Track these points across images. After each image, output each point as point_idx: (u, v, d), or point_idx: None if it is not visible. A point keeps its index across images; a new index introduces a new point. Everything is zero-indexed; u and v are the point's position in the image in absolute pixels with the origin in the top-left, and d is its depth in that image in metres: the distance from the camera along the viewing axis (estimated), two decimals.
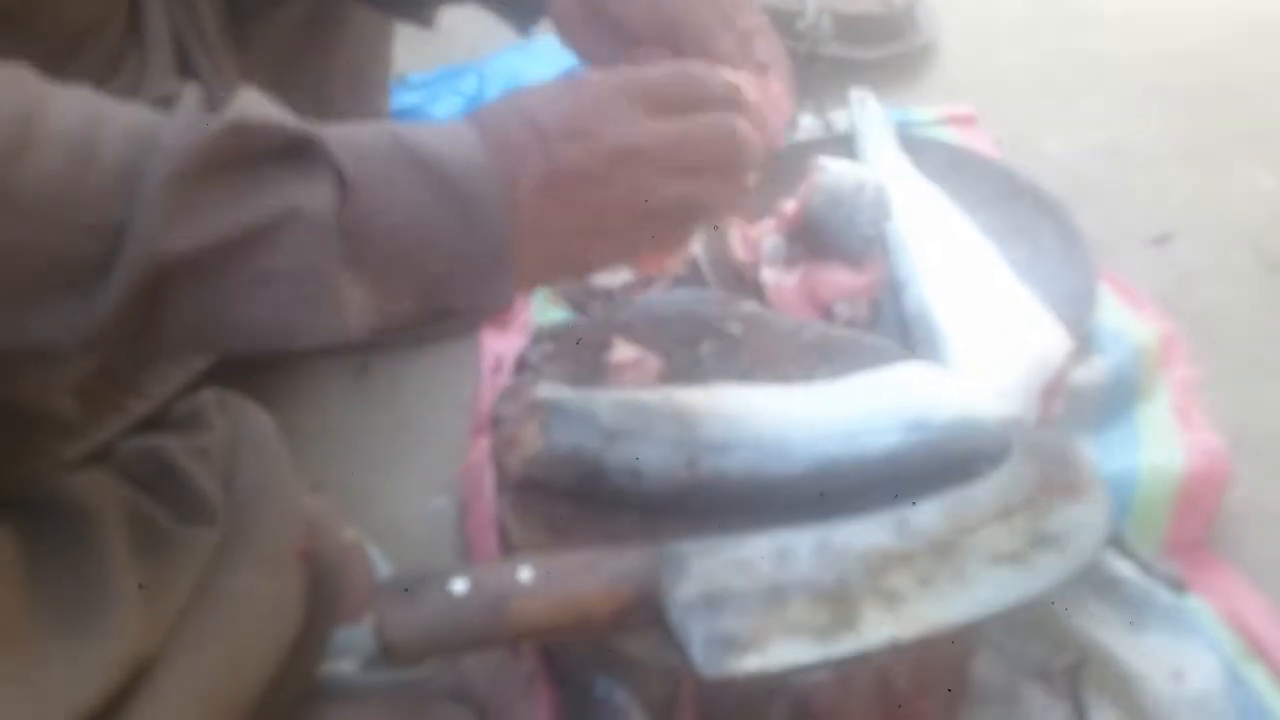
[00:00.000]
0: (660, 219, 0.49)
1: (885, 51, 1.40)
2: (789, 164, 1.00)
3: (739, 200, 0.51)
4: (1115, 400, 0.87)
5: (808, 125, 1.16)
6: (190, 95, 0.43)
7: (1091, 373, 0.88)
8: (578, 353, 0.73)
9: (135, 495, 0.55)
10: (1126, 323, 0.94)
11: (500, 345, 0.93)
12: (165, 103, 0.43)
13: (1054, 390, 0.84)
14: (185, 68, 0.61)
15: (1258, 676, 0.70)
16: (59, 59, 0.50)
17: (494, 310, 0.48)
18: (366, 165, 0.44)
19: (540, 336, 0.75)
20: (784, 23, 1.31)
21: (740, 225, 0.96)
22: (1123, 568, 0.72)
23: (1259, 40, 1.53)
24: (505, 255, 0.46)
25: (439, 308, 0.47)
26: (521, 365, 0.73)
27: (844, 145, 1.05)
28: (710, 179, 0.49)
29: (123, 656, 0.44)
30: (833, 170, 0.93)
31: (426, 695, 0.61)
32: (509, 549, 0.62)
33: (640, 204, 0.48)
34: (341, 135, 0.45)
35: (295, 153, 0.43)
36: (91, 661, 0.43)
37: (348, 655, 0.61)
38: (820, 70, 1.16)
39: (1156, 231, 1.12)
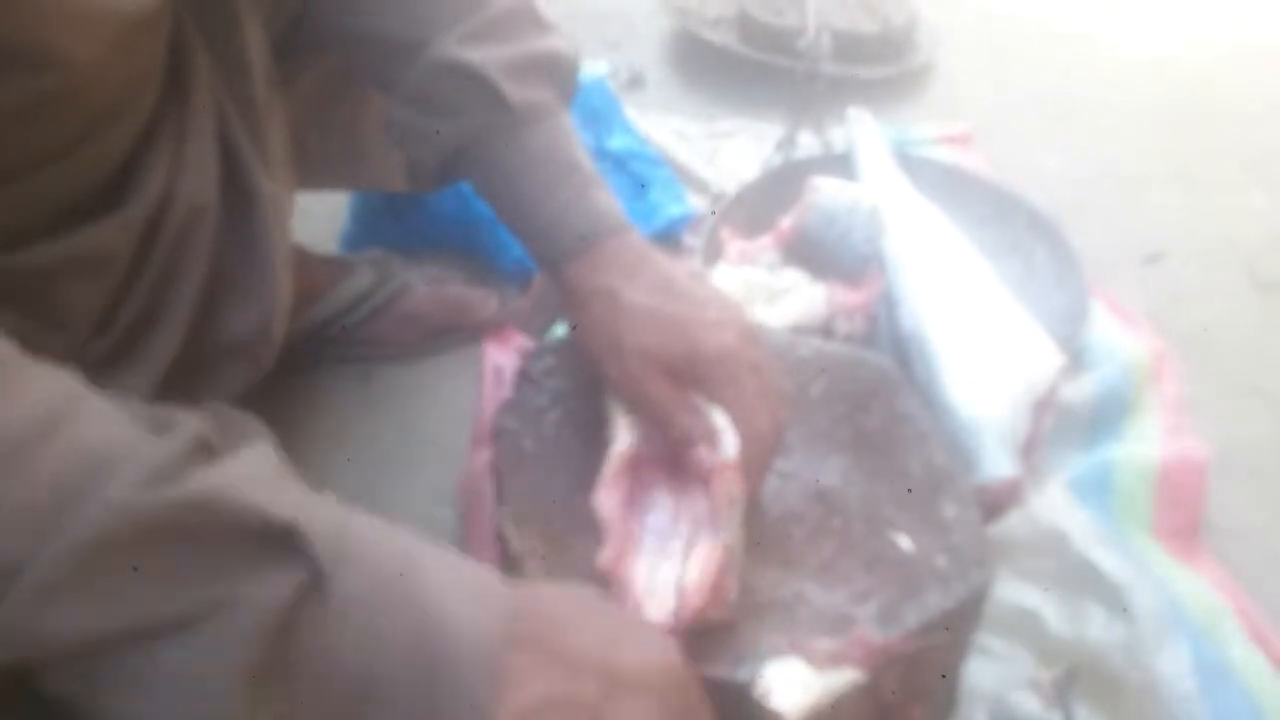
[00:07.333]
0: None
1: (884, 71, 1.42)
2: (786, 182, 1.01)
3: None
4: (1106, 416, 0.88)
5: (806, 143, 1.18)
6: (185, 429, 0.37)
7: (1083, 389, 0.89)
8: (578, 367, 0.74)
9: None
10: (1118, 340, 0.96)
11: (502, 357, 0.95)
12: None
13: (1045, 406, 0.85)
14: (224, 127, 0.59)
15: (1250, 661, 0.71)
16: (98, 126, 0.50)
17: None
18: (355, 579, 0.39)
19: (542, 350, 0.76)
20: (784, 41, 1.33)
21: (737, 241, 0.97)
22: (1107, 560, 0.73)
23: (1252, 64, 1.55)
24: None
25: None
26: (523, 378, 0.74)
27: (842, 164, 1.07)
28: None
29: None
30: (827, 190, 0.94)
31: None
32: (509, 559, 0.63)
33: None
34: (344, 532, 0.39)
35: (267, 539, 0.37)
36: None
37: None
38: (819, 89, 1.17)
39: (1149, 250, 1.14)
